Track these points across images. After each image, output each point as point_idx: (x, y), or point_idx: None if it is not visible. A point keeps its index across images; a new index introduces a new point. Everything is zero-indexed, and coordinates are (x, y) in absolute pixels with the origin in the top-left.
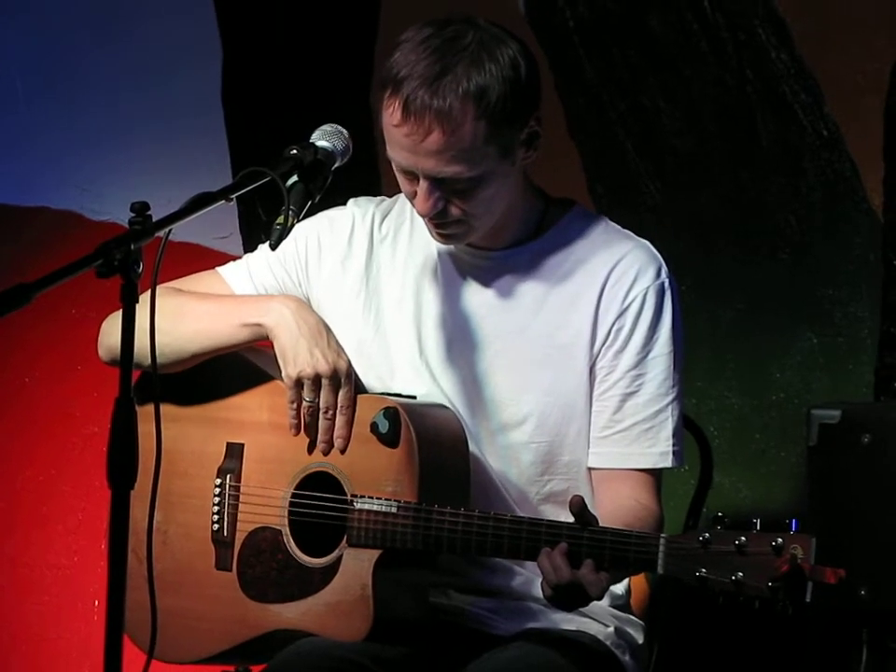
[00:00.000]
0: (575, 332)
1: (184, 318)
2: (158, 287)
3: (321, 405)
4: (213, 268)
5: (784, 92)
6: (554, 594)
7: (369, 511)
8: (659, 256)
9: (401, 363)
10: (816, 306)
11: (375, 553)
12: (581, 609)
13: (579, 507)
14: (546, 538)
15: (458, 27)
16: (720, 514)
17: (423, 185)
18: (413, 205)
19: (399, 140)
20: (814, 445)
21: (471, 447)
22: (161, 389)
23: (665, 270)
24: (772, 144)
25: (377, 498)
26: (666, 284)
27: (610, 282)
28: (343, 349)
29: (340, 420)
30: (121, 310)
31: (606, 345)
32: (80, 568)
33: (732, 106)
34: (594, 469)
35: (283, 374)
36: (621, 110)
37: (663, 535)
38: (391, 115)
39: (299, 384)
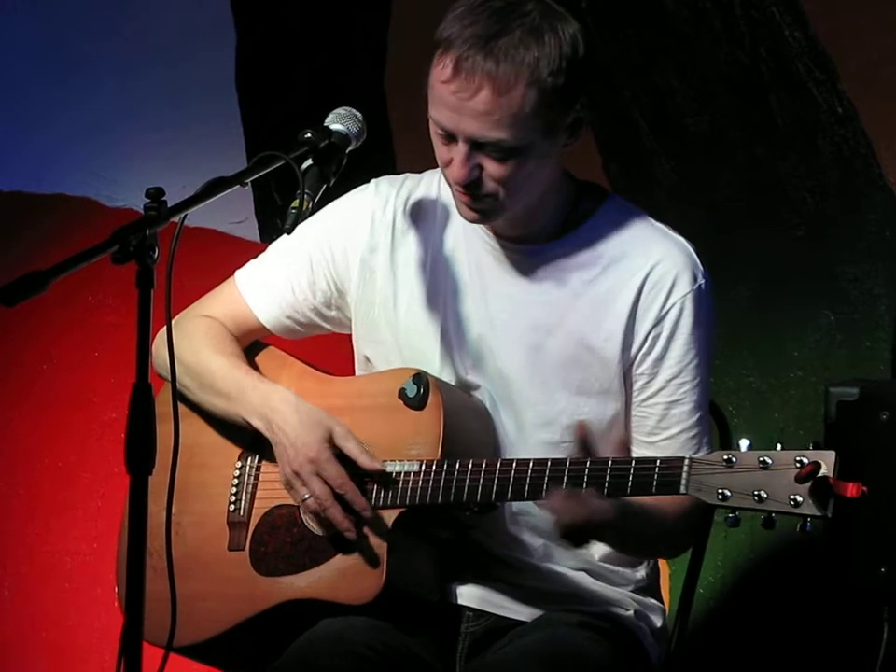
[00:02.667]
0: (608, 335)
1: (207, 391)
2: (180, 316)
3: (315, 499)
4: (225, 264)
5: (798, 70)
6: (563, 532)
7: (391, 472)
8: (694, 255)
9: (430, 356)
10: (832, 283)
11: (394, 514)
12: (601, 595)
13: (585, 432)
14: (570, 474)
15: None
16: (743, 439)
17: (461, 149)
18: (447, 174)
19: (446, 98)
20: (832, 423)
21: (503, 444)
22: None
23: (700, 271)
24: (786, 121)
25: (399, 460)
26: (703, 287)
27: (647, 287)
28: (324, 435)
29: (332, 513)
30: (138, 298)
31: (643, 352)
32: (100, 555)
33: (746, 85)
34: None
35: None
36: (634, 90)
37: (687, 456)
38: (441, 71)
39: (291, 486)
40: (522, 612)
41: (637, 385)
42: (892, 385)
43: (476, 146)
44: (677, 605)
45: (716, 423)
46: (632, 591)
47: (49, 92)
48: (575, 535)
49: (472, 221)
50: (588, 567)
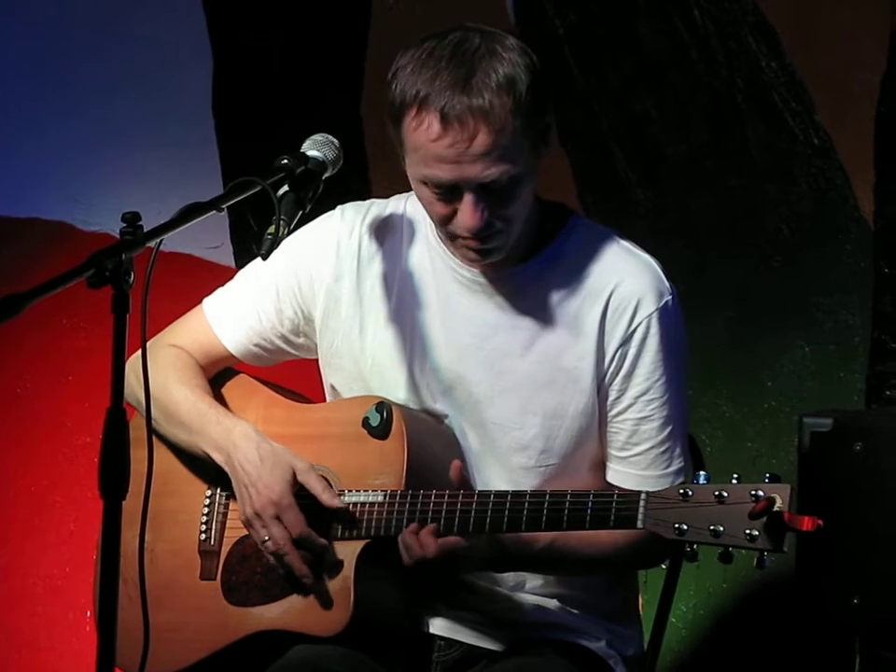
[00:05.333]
0: (580, 355)
1: (171, 422)
2: (149, 345)
3: (274, 544)
4: (200, 289)
5: (774, 100)
6: (417, 566)
7: (355, 504)
8: (660, 272)
9: (397, 384)
10: (807, 314)
11: (360, 545)
12: (573, 624)
13: (459, 475)
14: (529, 507)
15: (457, 34)
16: (700, 472)
17: (468, 199)
18: (448, 230)
19: (440, 153)
20: (806, 453)
21: (475, 470)
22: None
23: (666, 288)
24: (763, 152)
25: (364, 490)
26: (670, 304)
27: (612, 306)
28: (286, 476)
29: (290, 559)
30: (114, 322)
31: (612, 370)
32: (72, 579)
33: (722, 114)
34: (612, 484)
35: None
36: (611, 118)
37: (644, 490)
38: (426, 131)
39: (251, 526)
40: (493, 642)
41: (609, 400)
42: (866, 416)
43: (481, 188)
44: (649, 634)
45: (689, 452)
46: (605, 617)
47: (24, 116)
48: (427, 569)
49: (482, 262)
50: (560, 593)
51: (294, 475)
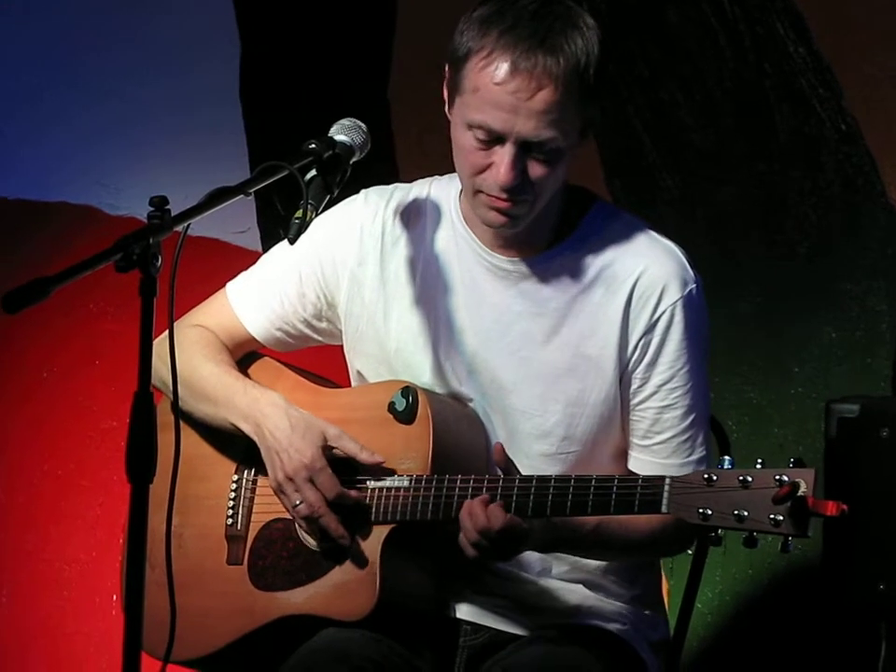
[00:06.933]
0: (602, 343)
1: (197, 398)
2: (175, 326)
3: (308, 506)
4: (227, 274)
5: (802, 86)
6: (472, 548)
7: (381, 489)
8: (684, 260)
9: (422, 368)
10: (834, 300)
11: (385, 530)
12: (599, 608)
13: (502, 456)
14: (554, 492)
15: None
16: (725, 457)
17: (510, 151)
18: (475, 182)
19: (499, 99)
20: (832, 439)
21: None
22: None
23: (691, 276)
24: (790, 137)
25: (390, 475)
26: (694, 293)
27: (636, 295)
28: (318, 440)
29: (326, 521)
30: (141, 306)
31: (635, 358)
32: (99, 563)
33: (750, 100)
34: (633, 472)
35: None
36: (639, 104)
37: (668, 476)
38: (492, 73)
39: (282, 492)
40: (519, 627)
41: (632, 388)
42: (893, 402)
43: (525, 147)
44: (675, 620)
45: (716, 437)
46: (630, 602)
47: (52, 100)
48: (485, 550)
49: (500, 227)
50: (586, 578)
51: (325, 440)
